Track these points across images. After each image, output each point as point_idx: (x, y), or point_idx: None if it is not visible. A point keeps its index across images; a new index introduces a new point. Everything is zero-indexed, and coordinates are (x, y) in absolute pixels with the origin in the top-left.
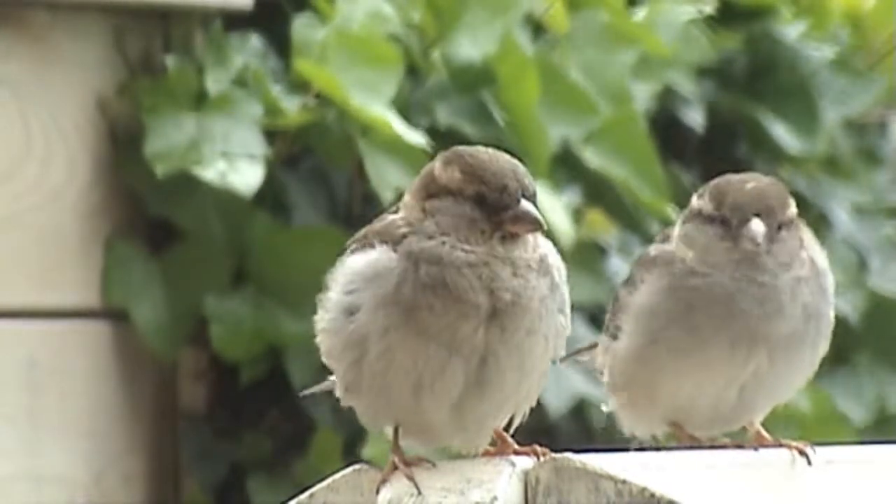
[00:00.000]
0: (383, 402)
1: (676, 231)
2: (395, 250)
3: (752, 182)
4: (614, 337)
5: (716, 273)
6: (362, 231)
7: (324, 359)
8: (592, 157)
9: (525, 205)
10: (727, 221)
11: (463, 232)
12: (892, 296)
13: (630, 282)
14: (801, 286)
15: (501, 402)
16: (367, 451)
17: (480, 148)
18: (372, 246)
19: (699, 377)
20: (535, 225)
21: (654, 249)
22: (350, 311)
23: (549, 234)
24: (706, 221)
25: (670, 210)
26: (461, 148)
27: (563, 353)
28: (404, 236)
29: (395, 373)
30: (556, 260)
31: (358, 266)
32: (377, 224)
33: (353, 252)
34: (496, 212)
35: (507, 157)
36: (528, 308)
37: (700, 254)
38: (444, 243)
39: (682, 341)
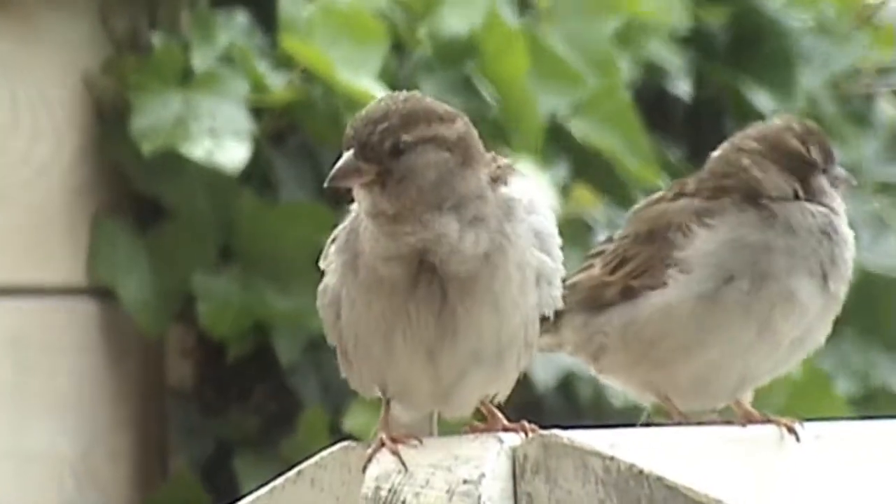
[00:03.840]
0: (365, 361)
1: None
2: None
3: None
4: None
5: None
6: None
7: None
8: (579, 129)
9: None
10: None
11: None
12: (880, 271)
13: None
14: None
15: (479, 349)
16: (348, 422)
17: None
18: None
19: (770, 317)
20: (334, 180)
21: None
22: (328, 274)
23: None
24: (821, 173)
25: (660, 181)
26: None
27: (557, 303)
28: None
29: (365, 327)
30: (528, 196)
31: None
32: None
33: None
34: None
35: (379, 104)
36: (465, 250)
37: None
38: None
39: (769, 270)
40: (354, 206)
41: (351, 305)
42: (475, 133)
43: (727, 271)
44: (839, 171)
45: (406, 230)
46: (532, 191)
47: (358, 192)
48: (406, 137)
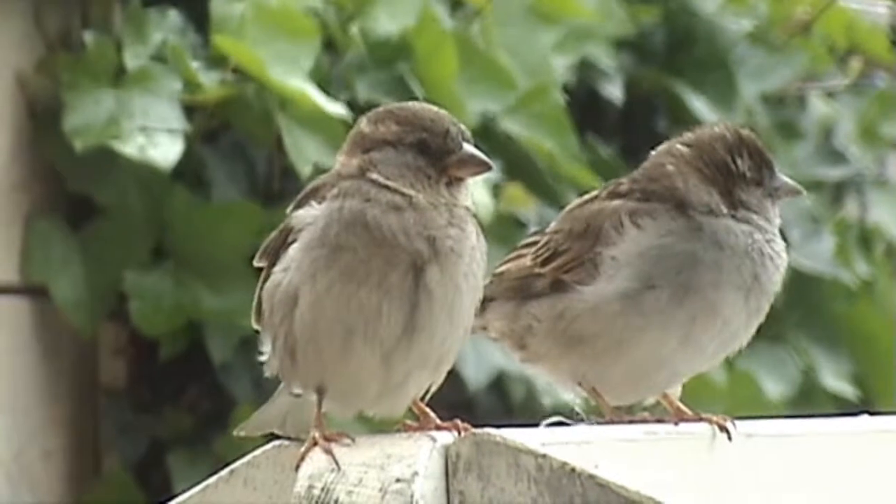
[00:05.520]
0: (313, 358)
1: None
2: (322, 201)
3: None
4: (554, 288)
5: (759, 219)
6: (298, 196)
7: (261, 327)
8: (511, 129)
9: (469, 148)
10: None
11: (409, 179)
12: (811, 271)
13: (592, 232)
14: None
15: (429, 353)
16: None
17: (405, 103)
18: (309, 204)
19: (693, 326)
20: (484, 166)
21: (626, 202)
22: (284, 270)
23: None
24: (752, 184)
25: (591, 180)
26: (385, 106)
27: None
28: (334, 187)
29: (325, 321)
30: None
31: (293, 223)
32: (309, 188)
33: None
34: (441, 157)
35: (433, 107)
36: (462, 255)
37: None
38: (375, 187)
39: (693, 283)
40: (324, 205)
41: (315, 302)
42: None
43: (650, 278)
44: (781, 181)
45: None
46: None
47: (462, 185)
48: None
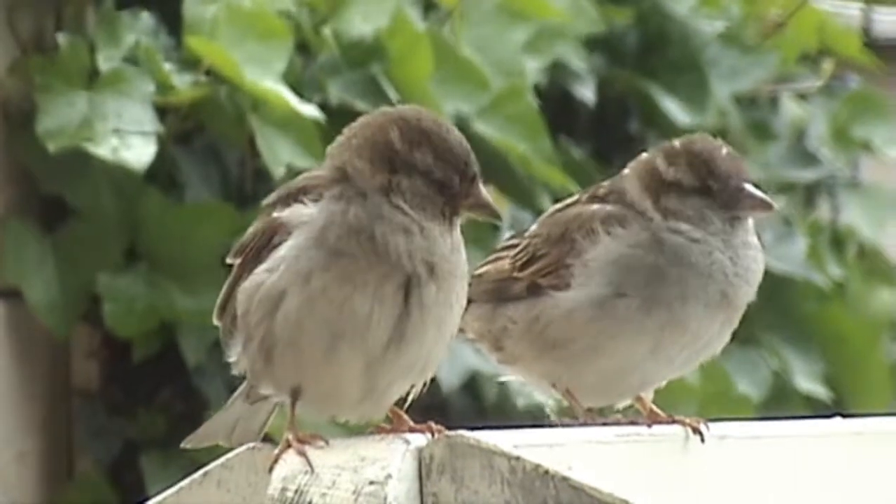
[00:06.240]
0: (292, 360)
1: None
2: (318, 199)
3: (722, 147)
4: (531, 292)
5: (692, 234)
6: (279, 193)
7: (228, 325)
8: (484, 131)
9: (484, 192)
10: (719, 191)
11: (428, 212)
12: (783, 273)
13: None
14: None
15: (414, 363)
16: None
17: (438, 126)
18: (299, 202)
19: (662, 337)
20: (494, 215)
21: (604, 206)
22: (270, 270)
23: None
24: (691, 193)
25: (564, 181)
26: (419, 122)
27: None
28: (336, 186)
29: (313, 323)
30: None
31: (282, 220)
32: (297, 185)
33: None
34: (461, 197)
35: (463, 139)
36: (459, 278)
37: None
38: (392, 207)
39: (660, 296)
40: (321, 205)
41: (304, 303)
42: None
43: (621, 286)
44: (743, 195)
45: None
46: None
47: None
48: None
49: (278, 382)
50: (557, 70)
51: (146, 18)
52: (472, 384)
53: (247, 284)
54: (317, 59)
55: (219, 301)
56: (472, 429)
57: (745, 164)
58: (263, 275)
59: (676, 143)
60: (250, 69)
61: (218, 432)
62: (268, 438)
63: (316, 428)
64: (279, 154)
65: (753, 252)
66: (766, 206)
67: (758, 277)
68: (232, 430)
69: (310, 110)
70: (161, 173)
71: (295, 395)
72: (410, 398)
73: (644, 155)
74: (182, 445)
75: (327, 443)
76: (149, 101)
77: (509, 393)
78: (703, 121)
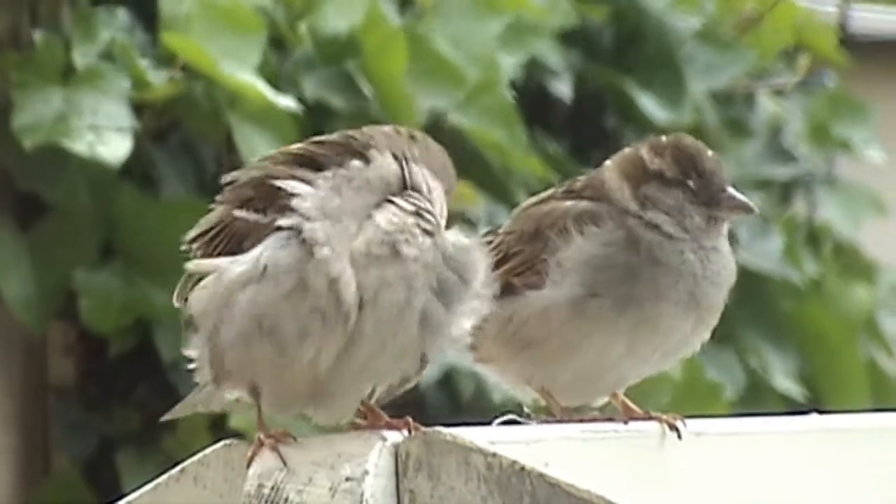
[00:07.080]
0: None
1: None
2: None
3: (709, 150)
4: (505, 290)
5: (666, 228)
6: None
7: (196, 315)
8: (460, 122)
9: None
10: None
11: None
12: (759, 270)
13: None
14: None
15: (368, 364)
16: (234, 419)
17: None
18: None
19: (636, 336)
20: None
21: (578, 202)
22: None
23: None
24: (672, 185)
25: (542, 172)
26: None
27: None
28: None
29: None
30: None
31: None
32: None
33: None
34: None
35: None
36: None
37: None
38: None
39: (633, 295)
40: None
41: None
42: None
43: (594, 286)
44: (725, 195)
45: None
46: None
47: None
48: None
49: (234, 382)
50: (534, 66)
51: (122, 15)
52: (449, 380)
53: (216, 275)
54: (292, 56)
55: (182, 284)
56: (449, 425)
57: (725, 169)
58: (238, 267)
59: (664, 137)
60: (226, 63)
61: (196, 404)
62: (243, 435)
63: (290, 426)
64: (256, 148)
65: (724, 259)
66: (747, 209)
67: (728, 282)
68: (209, 401)
69: (286, 102)
70: (137, 169)
71: (255, 393)
72: (376, 395)
73: (628, 148)
74: (162, 419)
75: (296, 439)
76: (125, 98)
77: (486, 388)
78: (680, 117)
